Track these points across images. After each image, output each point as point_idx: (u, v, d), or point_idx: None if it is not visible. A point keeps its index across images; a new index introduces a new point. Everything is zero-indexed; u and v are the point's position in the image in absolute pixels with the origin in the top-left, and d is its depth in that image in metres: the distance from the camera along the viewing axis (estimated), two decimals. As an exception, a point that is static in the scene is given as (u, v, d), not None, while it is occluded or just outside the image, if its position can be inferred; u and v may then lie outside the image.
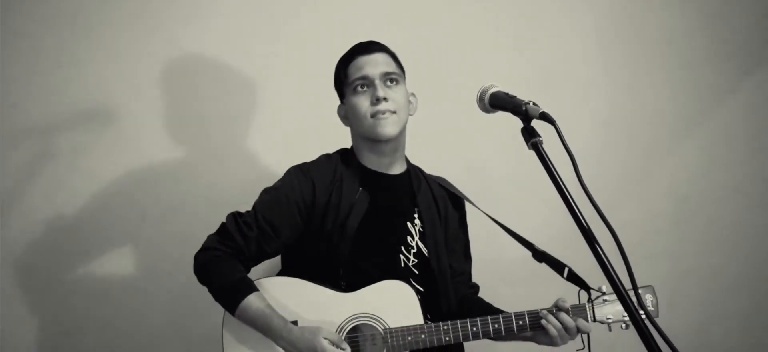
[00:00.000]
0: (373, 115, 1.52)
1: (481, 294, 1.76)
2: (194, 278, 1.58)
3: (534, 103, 1.18)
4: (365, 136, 1.57)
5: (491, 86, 1.28)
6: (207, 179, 2.08)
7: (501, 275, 1.92)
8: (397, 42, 1.70)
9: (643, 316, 1.04)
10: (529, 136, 1.15)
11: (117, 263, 2.06)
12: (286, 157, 1.69)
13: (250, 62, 2.14)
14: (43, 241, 2.02)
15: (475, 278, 1.77)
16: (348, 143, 1.68)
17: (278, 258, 1.66)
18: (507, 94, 1.24)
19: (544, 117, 1.13)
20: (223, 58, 2.13)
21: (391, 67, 1.58)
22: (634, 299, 1.06)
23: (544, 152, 1.12)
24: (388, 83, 1.55)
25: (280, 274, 1.63)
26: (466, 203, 1.72)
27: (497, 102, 1.25)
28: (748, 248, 2.60)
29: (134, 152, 2.06)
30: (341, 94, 1.64)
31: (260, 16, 2.15)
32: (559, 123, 1.05)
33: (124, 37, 2.08)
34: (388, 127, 1.53)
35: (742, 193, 2.59)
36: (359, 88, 1.54)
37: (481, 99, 1.29)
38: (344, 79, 1.58)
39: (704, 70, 2.54)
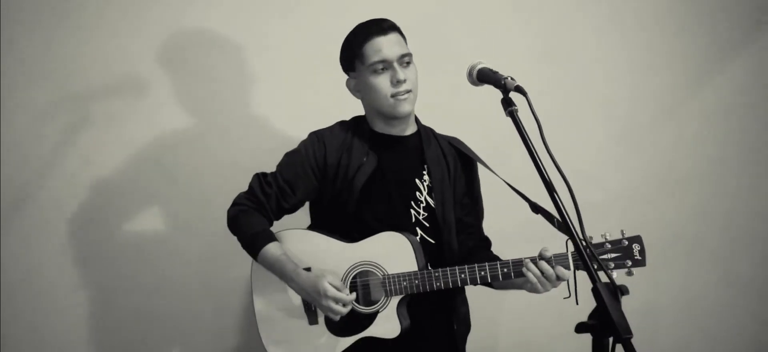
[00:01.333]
0: (393, 96, 1.66)
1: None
2: (219, 236, 1.79)
3: (511, 78, 1.35)
4: (384, 113, 1.70)
5: (479, 63, 1.45)
6: (231, 144, 2.23)
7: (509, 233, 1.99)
8: (407, 18, 1.79)
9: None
10: (507, 105, 1.33)
11: (149, 222, 2.24)
12: (303, 124, 1.85)
13: (268, 36, 2.25)
14: (83, 201, 2.19)
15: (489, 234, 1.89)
16: (356, 110, 1.82)
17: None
18: (491, 69, 1.41)
19: (519, 89, 1.32)
20: (243, 32, 2.24)
21: (405, 47, 1.69)
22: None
23: (519, 120, 1.30)
24: (405, 64, 1.67)
25: (309, 227, 1.81)
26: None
27: (483, 77, 1.43)
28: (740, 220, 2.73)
29: (164, 120, 2.21)
30: (350, 68, 1.75)
31: None
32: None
33: (152, 10, 2.20)
34: (408, 105, 1.68)
35: (730, 166, 2.70)
36: (379, 69, 1.66)
37: (470, 74, 1.47)
38: (360, 57, 1.68)
39: (698, 43, 2.63)
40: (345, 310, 1.61)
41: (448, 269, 1.63)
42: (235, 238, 1.74)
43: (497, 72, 1.40)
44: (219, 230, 1.81)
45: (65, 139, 2.14)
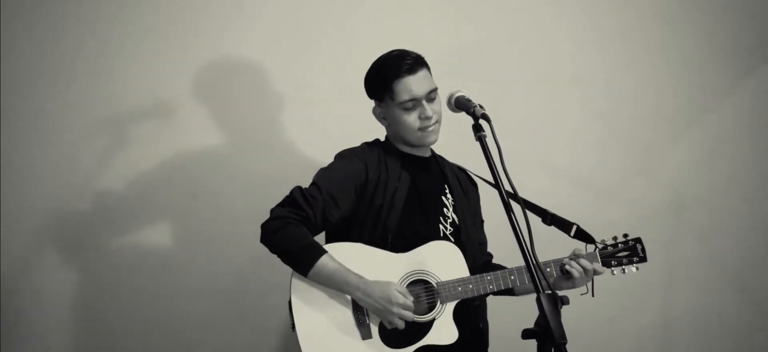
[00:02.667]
0: (421, 129, 1.74)
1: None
2: (242, 252, 1.79)
3: (480, 106, 1.49)
4: (412, 143, 1.78)
5: (458, 91, 1.58)
6: (250, 163, 2.32)
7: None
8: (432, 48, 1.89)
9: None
10: (476, 131, 1.45)
11: (176, 237, 2.33)
12: (323, 144, 1.94)
13: (290, 62, 2.36)
14: (116, 219, 2.30)
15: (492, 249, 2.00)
16: (374, 132, 1.90)
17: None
18: (465, 97, 1.55)
19: (484, 117, 1.44)
20: (265, 57, 2.35)
21: (431, 83, 1.76)
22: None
23: (486, 145, 1.43)
24: (431, 100, 1.75)
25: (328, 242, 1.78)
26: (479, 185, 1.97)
27: (459, 104, 1.55)
28: (746, 239, 2.78)
29: (193, 141, 2.32)
30: (377, 97, 1.80)
31: (298, 19, 2.38)
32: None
33: (187, 41, 2.33)
34: (434, 135, 1.77)
35: (740, 186, 2.76)
36: (409, 107, 1.72)
37: (449, 101, 1.60)
38: (390, 93, 1.73)
39: (706, 66, 2.72)
40: (411, 317, 1.61)
41: (498, 272, 1.69)
42: (259, 252, 1.69)
43: (470, 100, 1.52)
44: (244, 245, 1.89)
45: (101, 159, 2.27)
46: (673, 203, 2.74)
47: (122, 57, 2.29)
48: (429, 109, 1.72)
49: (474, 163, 1.87)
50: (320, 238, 1.76)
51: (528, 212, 1.68)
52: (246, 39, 2.35)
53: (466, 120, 1.58)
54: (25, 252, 2.24)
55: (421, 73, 1.74)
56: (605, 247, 1.76)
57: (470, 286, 1.66)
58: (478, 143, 1.45)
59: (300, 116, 2.36)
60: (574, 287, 1.72)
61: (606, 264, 1.76)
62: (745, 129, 2.79)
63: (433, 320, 1.66)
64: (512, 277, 1.69)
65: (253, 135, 2.37)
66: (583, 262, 1.70)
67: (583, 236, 1.76)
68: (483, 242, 1.93)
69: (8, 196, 2.21)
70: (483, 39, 2.55)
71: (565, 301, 1.38)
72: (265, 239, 1.65)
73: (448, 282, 1.67)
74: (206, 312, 2.31)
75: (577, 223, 1.79)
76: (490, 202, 1.91)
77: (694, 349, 2.80)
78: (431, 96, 1.74)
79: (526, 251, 1.32)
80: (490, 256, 1.96)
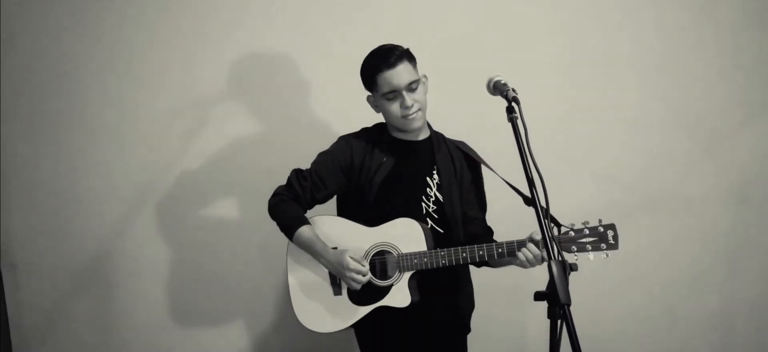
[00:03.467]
0: (404, 117, 1.89)
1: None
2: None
3: (513, 90, 1.58)
4: (399, 128, 1.95)
5: (496, 76, 1.66)
6: (288, 146, 2.48)
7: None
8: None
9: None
10: (509, 113, 1.55)
11: (226, 210, 2.57)
12: (340, 128, 2.12)
13: (312, 54, 2.50)
14: (184, 189, 2.55)
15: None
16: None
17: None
18: (502, 82, 1.63)
19: (515, 100, 1.55)
20: (295, 51, 2.50)
21: (412, 75, 1.89)
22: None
23: (517, 126, 1.52)
24: (412, 89, 1.88)
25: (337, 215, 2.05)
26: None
27: (497, 88, 1.64)
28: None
29: (239, 127, 2.52)
30: (368, 88, 1.97)
31: (321, 11, 2.50)
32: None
33: (231, 36, 2.50)
34: (417, 122, 1.91)
35: None
36: (390, 97, 1.89)
37: (488, 85, 1.68)
38: (374, 86, 1.92)
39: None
40: (364, 279, 1.85)
41: (451, 249, 1.85)
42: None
43: (506, 84, 1.62)
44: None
45: (183, 139, 2.54)
46: (739, 191, 2.65)
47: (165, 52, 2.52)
48: (408, 99, 1.86)
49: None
50: (326, 208, 2.04)
51: (519, 196, 1.88)
52: (277, 34, 2.51)
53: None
54: (121, 220, 2.56)
55: (401, 67, 1.86)
56: (567, 233, 1.78)
57: (425, 259, 1.86)
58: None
59: (328, 103, 2.52)
60: (523, 267, 1.81)
61: (565, 249, 1.76)
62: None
63: (391, 285, 1.89)
64: (464, 254, 1.83)
65: (286, 121, 2.54)
66: (531, 247, 1.78)
67: (551, 220, 1.77)
68: (478, 218, 2.04)
69: (96, 174, 2.54)
70: (541, 20, 2.57)
71: (574, 268, 1.57)
72: (268, 211, 1.97)
73: (406, 254, 1.87)
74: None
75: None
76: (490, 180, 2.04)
77: (755, 340, 2.73)
78: (412, 87, 1.88)
79: (542, 223, 1.44)
80: (490, 231, 2.06)
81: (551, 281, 1.35)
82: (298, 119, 2.54)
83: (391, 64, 1.86)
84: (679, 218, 2.67)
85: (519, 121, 1.52)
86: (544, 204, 1.47)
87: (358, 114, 2.08)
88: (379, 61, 1.89)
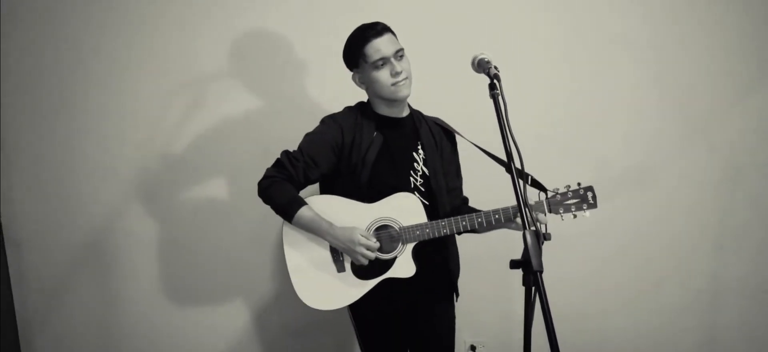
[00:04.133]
0: (393, 84, 1.93)
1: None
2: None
3: (495, 68, 1.67)
4: (387, 98, 1.97)
5: (481, 54, 1.72)
6: (291, 124, 2.43)
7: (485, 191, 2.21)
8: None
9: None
10: (491, 89, 1.63)
11: (218, 188, 2.62)
12: (331, 107, 2.15)
13: (311, 40, 2.55)
14: (195, 166, 2.61)
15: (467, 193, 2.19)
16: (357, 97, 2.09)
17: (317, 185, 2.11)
18: (486, 60, 1.71)
19: (496, 77, 1.64)
20: (294, 35, 2.55)
21: (397, 44, 1.95)
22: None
23: (498, 102, 1.60)
24: (399, 58, 1.94)
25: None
26: (457, 136, 2.13)
27: (480, 65, 1.71)
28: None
29: (232, 105, 2.57)
30: (353, 65, 2.01)
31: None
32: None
33: (237, 19, 2.54)
34: (406, 89, 1.96)
35: None
36: (379, 65, 1.92)
37: (472, 62, 1.75)
38: (363, 57, 1.94)
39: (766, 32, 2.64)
40: (373, 255, 1.91)
41: (451, 218, 1.92)
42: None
43: (489, 62, 1.69)
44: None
45: (184, 116, 2.58)
46: (730, 170, 2.70)
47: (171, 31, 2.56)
48: (398, 65, 1.92)
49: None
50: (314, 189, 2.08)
51: (501, 165, 1.96)
52: (275, 16, 2.55)
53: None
54: (121, 198, 2.62)
55: (387, 36, 1.93)
56: (554, 195, 1.92)
57: (427, 230, 1.93)
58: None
59: (321, 82, 2.57)
60: (518, 229, 1.89)
61: (554, 211, 1.91)
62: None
63: (396, 257, 1.95)
64: (464, 223, 1.92)
65: (282, 99, 2.59)
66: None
67: (536, 184, 1.92)
68: (457, 188, 2.13)
69: (97, 154, 2.59)
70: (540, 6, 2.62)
71: (547, 237, 1.68)
72: (259, 194, 1.96)
73: (408, 227, 1.93)
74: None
75: (532, 174, 1.90)
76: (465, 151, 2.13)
77: (741, 317, 2.80)
78: (399, 54, 1.94)
79: (519, 193, 1.52)
80: (466, 199, 2.16)
81: (525, 250, 1.42)
82: (293, 101, 2.58)
83: (379, 33, 1.93)
84: (668, 196, 2.72)
85: (500, 98, 1.59)
86: (522, 177, 1.56)
87: (354, 97, 2.11)
88: (367, 32, 1.94)
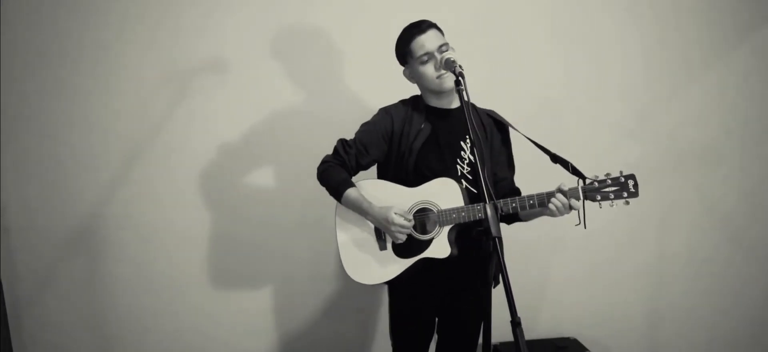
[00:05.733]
0: (438, 77, 2.05)
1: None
2: (311, 187, 2.22)
3: (460, 66, 1.86)
4: (434, 90, 2.10)
5: (448, 54, 1.96)
6: (323, 117, 2.72)
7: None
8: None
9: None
10: (457, 85, 1.84)
11: (262, 177, 2.77)
12: (384, 97, 2.25)
13: (352, 29, 2.72)
14: (215, 160, 2.74)
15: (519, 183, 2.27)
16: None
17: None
18: (451, 60, 1.92)
19: (461, 74, 1.84)
20: (332, 26, 2.72)
21: (442, 39, 2.08)
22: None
23: (462, 96, 1.82)
24: (443, 51, 2.05)
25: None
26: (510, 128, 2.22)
27: (446, 64, 1.95)
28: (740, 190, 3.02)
29: (277, 95, 2.73)
30: (403, 62, 2.15)
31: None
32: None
33: (268, 11, 2.69)
34: (450, 81, 2.03)
35: (736, 140, 2.99)
36: (424, 60, 2.06)
37: (439, 61, 2.00)
38: (409, 53, 2.09)
39: (707, 24, 2.92)
40: (407, 232, 2.02)
41: (488, 203, 1.98)
42: (321, 189, 2.14)
43: (454, 61, 1.90)
44: (310, 181, 2.20)
45: (167, 112, 2.69)
46: (671, 156, 2.96)
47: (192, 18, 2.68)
48: (441, 59, 2.03)
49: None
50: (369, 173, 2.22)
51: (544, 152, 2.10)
52: (312, 9, 2.72)
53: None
54: (110, 184, 2.71)
55: (431, 33, 2.07)
56: (592, 183, 1.95)
57: (462, 213, 2.01)
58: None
59: (359, 75, 2.76)
60: (553, 216, 1.98)
61: (590, 198, 1.95)
62: (743, 86, 2.97)
63: (432, 239, 2.05)
64: (499, 205, 1.96)
65: (322, 92, 2.76)
66: (560, 196, 1.95)
67: (575, 172, 1.99)
68: (507, 178, 2.22)
69: (84, 144, 2.67)
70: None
71: (505, 209, 1.96)
72: (317, 177, 2.14)
73: (445, 210, 2.03)
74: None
75: (572, 162, 2.01)
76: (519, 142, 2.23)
77: (685, 288, 3.08)
78: (443, 49, 2.05)
79: (482, 173, 1.74)
80: (517, 190, 2.22)
81: (485, 219, 1.68)
82: (330, 92, 2.75)
83: (423, 30, 2.07)
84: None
85: (464, 93, 1.82)
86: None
87: (390, 94, 2.24)
88: (412, 30, 2.09)
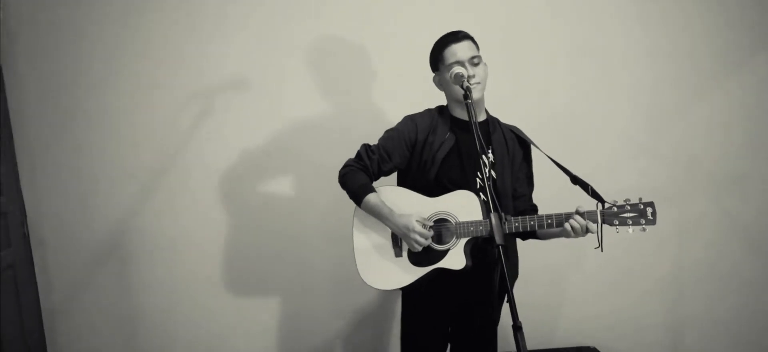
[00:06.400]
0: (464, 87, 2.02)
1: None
2: (333, 194, 2.28)
3: (468, 80, 1.97)
4: (458, 99, 2.09)
5: (459, 70, 2.00)
6: (346, 125, 2.78)
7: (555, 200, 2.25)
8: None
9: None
10: (465, 98, 1.91)
11: (282, 186, 2.85)
12: (403, 109, 2.26)
13: (376, 40, 2.79)
14: (238, 166, 2.82)
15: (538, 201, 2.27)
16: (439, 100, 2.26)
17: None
18: (461, 74, 1.99)
19: (468, 90, 1.93)
20: (360, 38, 2.79)
21: (474, 51, 2.09)
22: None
23: (470, 109, 1.90)
24: (474, 63, 2.07)
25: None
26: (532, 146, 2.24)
27: (456, 78, 2.00)
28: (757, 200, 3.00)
29: (302, 107, 2.81)
30: (435, 68, 2.16)
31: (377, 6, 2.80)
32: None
33: (302, 23, 2.77)
34: (476, 93, 2.06)
35: (754, 151, 2.97)
36: (455, 67, 2.04)
37: (450, 75, 2.03)
38: (441, 60, 2.10)
39: (726, 35, 2.90)
40: (426, 242, 2.02)
41: (506, 218, 1.99)
42: (340, 200, 2.17)
43: (464, 77, 1.97)
44: (333, 189, 2.24)
45: (197, 123, 2.78)
46: (692, 168, 2.95)
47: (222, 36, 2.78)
48: (471, 70, 2.05)
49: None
50: (389, 180, 2.24)
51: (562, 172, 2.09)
52: (346, 22, 2.79)
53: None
54: (139, 198, 2.83)
55: (465, 43, 2.09)
56: (611, 207, 1.95)
57: (480, 227, 2.02)
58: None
59: (389, 87, 2.82)
60: (569, 237, 1.98)
61: (608, 222, 1.95)
62: (762, 96, 2.95)
63: (448, 250, 2.05)
64: (516, 223, 1.99)
65: (350, 104, 2.83)
66: (577, 218, 1.95)
67: (595, 195, 1.98)
68: (526, 195, 2.23)
69: (115, 158, 2.79)
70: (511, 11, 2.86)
71: (523, 227, 1.99)
72: (338, 180, 2.15)
73: (463, 222, 2.04)
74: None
75: (592, 185, 2.00)
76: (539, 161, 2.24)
77: (707, 300, 3.06)
78: (474, 61, 2.07)
79: (488, 188, 1.81)
80: (535, 208, 2.24)
81: (490, 229, 1.78)
82: (357, 103, 2.82)
83: (459, 39, 2.09)
84: (637, 194, 2.88)
85: (471, 106, 1.89)
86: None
87: (411, 107, 2.26)
88: (448, 38, 2.11)
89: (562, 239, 2.85)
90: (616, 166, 2.93)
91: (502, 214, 1.90)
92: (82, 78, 2.74)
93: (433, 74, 2.18)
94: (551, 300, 3.04)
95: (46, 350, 2.87)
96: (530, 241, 2.24)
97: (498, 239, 1.71)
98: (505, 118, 2.34)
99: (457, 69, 1.99)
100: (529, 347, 2.95)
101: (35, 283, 2.82)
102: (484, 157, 2.10)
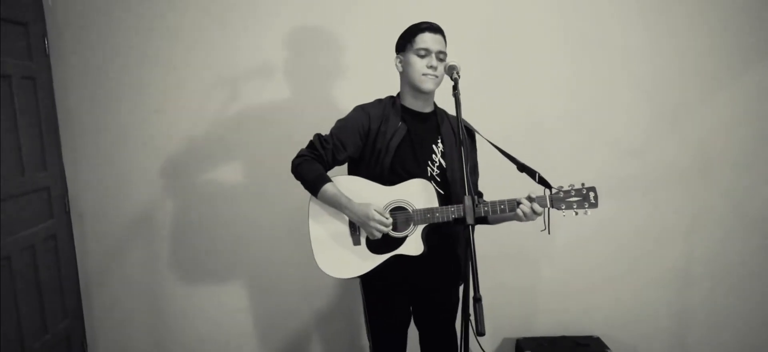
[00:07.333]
0: (424, 74, 2.11)
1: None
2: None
3: (457, 72, 1.97)
4: (412, 84, 2.14)
5: (453, 62, 2.04)
6: (318, 115, 2.78)
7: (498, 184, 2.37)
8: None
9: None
10: (453, 89, 1.94)
11: (275, 164, 2.97)
12: (362, 97, 2.29)
13: (350, 39, 2.87)
14: (231, 151, 2.96)
15: (482, 188, 2.36)
16: (392, 91, 2.28)
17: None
18: (452, 65, 2.01)
19: (456, 80, 1.95)
20: (341, 32, 2.87)
21: (443, 47, 2.12)
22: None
23: (458, 99, 1.92)
24: (440, 58, 2.11)
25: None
26: (476, 135, 2.27)
27: (449, 69, 2.02)
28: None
29: (286, 96, 2.94)
30: (401, 49, 2.16)
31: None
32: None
33: (283, 18, 2.89)
34: (431, 84, 2.12)
35: (765, 147, 2.97)
36: (421, 53, 2.10)
37: (445, 67, 2.07)
38: (411, 42, 2.11)
39: (738, 34, 2.91)
40: (386, 230, 2.05)
41: (461, 205, 2.02)
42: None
43: (455, 67, 1.99)
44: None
45: (218, 112, 2.94)
46: (700, 160, 2.98)
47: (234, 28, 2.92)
48: (434, 61, 2.10)
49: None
50: (341, 170, 2.26)
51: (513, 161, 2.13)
52: (328, 16, 2.88)
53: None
54: (164, 181, 3.01)
55: (438, 36, 2.11)
56: (558, 192, 2.01)
57: (437, 214, 2.06)
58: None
59: (351, 79, 2.90)
60: (520, 220, 2.03)
61: (555, 206, 2.01)
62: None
63: (406, 237, 2.10)
64: (486, 208, 2.02)
65: (321, 93, 2.93)
66: (526, 203, 2.01)
67: (542, 181, 2.04)
68: (472, 182, 2.25)
69: (149, 140, 2.97)
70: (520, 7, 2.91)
71: (480, 199, 2.10)
72: (292, 170, 2.16)
73: (420, 210, 2.08)
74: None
75: (539, 171, 2.04)
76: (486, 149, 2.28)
77: (713, 292, 3.10)
78: (440, 56, 2.11)
79: (466, 174, 1.86)
80: (480, 194, 2.33)
81: (463, 209, 1.83)
82: (328, 92, 2.89)
83: (434, 30, 2.12)
84: (645, 187, 3.03)
85: (459, 96, 1.92)
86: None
87: (373, 90, 2.33)
88: (423, 25, 2.13)
89: (574, 232, 3.01)
90: (620, 159, 2.98)
91: (475, 197, 1.95)
92: (120, 61, 2.90)
93: (397, 55, 2.19)
94: (557, 289, 3.11)
95: (83, 316, 3.09)
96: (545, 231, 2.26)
97: (468, 219, 1.77)
98: (505, 118, 2.44)
99: (450, 62, 2.04)
100: (534, 334, 3.07)
101: (74, 253, 3.02)
102: (434, 146, 2.17)
